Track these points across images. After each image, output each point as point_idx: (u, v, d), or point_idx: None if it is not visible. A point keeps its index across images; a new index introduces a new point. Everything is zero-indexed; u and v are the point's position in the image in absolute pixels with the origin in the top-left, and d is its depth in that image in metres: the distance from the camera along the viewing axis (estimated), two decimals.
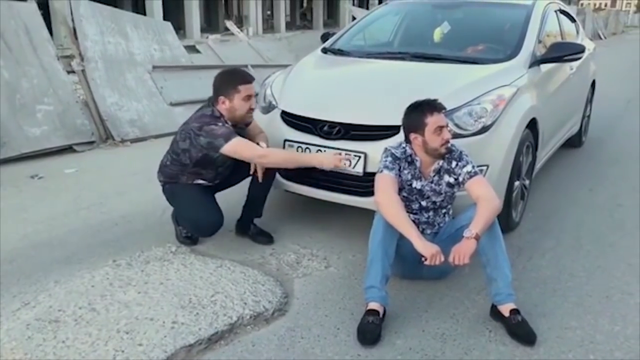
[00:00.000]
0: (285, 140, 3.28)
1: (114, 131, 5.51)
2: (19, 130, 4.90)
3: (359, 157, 3.02)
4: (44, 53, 5.34)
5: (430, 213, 2.68)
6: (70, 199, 3.96)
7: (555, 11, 4.51)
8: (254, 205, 3.25)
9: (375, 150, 2.98)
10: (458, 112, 3.02)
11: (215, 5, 32.41)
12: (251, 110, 2.98)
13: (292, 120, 3.31)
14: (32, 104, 5.07)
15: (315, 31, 29.61)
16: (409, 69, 3.63)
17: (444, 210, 2.71)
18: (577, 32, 5.19)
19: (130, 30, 6.35)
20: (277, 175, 3.36)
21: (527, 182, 3.51)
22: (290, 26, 34.00)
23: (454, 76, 3.39)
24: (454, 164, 2.59)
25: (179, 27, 24.18)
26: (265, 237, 3.23)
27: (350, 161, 3.00)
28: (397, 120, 3.01)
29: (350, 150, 3.04)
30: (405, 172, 2.60)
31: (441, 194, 2.63)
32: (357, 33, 4.55)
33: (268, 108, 3.59)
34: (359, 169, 3.02)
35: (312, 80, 3.79)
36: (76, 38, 5.76)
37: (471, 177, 2.55)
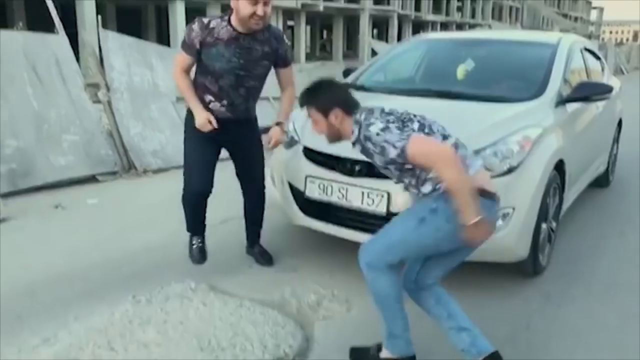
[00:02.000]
0: (307, 177, 3.26)
1: (136, 161, 5.56)
2: (45, 160, 4.97)
3: (382, 196, 2.98)
4: (73, 84, 5.45)
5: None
6: (91, 230, 3.97)
7: (581, 49, 4.47)
8: (250, 224, 3.39)
9: (398, 189, 2.94)
10: (483, 152, 2.97)
11: None
12: (256, 16, 2.72)
13: (314, 156, 3.30)
14: (58, 134, 5.16)
15: (334, 62, 30.00)
16: (432, 107, 3.58)
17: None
18: (603, 70, 5.15)
19: (156, 61, 6.46)
20: (299, 212, 3.34)
21: (554, 224, 3.42)
22: (310, 57, 34.44)
23: (479, 115, 3.35)
24: (369, 145, 2.21)
25: None
26: (265, 259, 3.36)
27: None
28: None
29: (374, 189, 3.00)
30: None
31: None
32: (380, 69, 4.56)
33: (290, 143, 3.59)
34: (381, 209, 2.98)
35: None
36: (103, 69, 5.88)
37: (404, 153, 2.09)
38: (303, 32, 31.79)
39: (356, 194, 3.07)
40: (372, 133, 2.16)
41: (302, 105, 2.45)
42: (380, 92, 3.99)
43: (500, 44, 4.49)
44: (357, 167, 3.08)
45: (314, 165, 3.27)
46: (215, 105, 2.98)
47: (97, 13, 21.24)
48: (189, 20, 22.50)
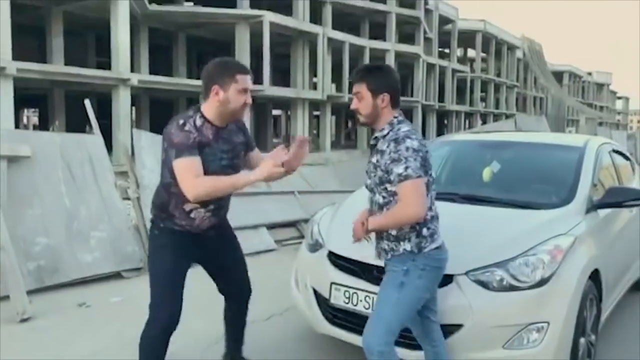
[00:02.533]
0: (332, 283, 3.20)
1: None
2: (72, 257, 5.02)
3: None
4: (104, 181, 5.61)
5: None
6: (115, 331, 3.91)
7: (609, 152, 4.42)
8: (231, 333, 3.15)
9: None
10: (513, 262, 2.89)
11: (265, 124, 34.28)
12: (246, 105, 2.63)
13: (339, 261, 3.25)
14: (87, 231, 5.24)
15: (359, 151, 30.56)
16: (459, 212, 3.55)
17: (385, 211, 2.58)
18: (633, 171, 5.07)
19: None
20: (323, 320, 3.24)
21: (592, 337, 3.24)
22: (335, 145, 35.25)
23: (508, 222, 3.29)
24: (391, 146, 2.47)
25: None
26: None
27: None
28: (450, 268, 2.91)
29: None
30: None
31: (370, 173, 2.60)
32: None
33: (315, 246, 3.56)
34: None
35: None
36: (134, 164, 6.06)
37: (401, 180, 2.41)
38: (328, 122, 32.75)
39: None
40: (408, 143, 2.40)
41: (355, 78, 2.57)
42: None
43: (525, 146, 4.47)
44: (383, 275, 3.01)
45: (339, 271, 3.22)
46: (198, 212, 2.68)
47: (132, 103, 22.43)
48: None
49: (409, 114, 40.57)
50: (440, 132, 46.27)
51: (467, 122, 49.27)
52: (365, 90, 2.52)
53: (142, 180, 5.98)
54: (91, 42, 27.45)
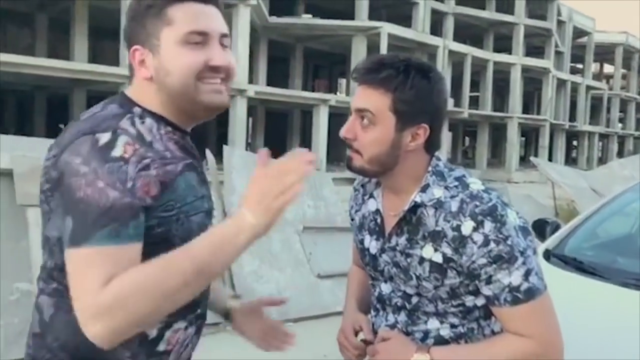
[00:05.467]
0: None
1: None
2: None
3: None
4: None
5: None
6: None
7: None
8: None
9: None
10: None
11: None
12: (214, 69, 1.12)
13: None
14: None
15: (478, 170, 28.33)
16: None
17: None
18: None
19: None
20: None
21: None
22: (451, 163, 33.18)
23: None
24: (486, 228, 1.18)
25: (341, 160, 24.58)
26: None
27: None
28: None
29: None
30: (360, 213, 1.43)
31: (411, 278, 1.26)
32: (595, 231, 3.05)
33: None
34: None
35: None
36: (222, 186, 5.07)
37: (518, 300, 1.18)
38: (445, 138, 30.88)
39: None
40: (512, 220, 1.19)
41: (367, 77, 1.22)
42: (614, 280, 2.44)
43: None
44: None
45: None
46: (176, 334, 1.15)
47: (248, 114, 22.28)
48: (332, 124, 22.68)
49: (533, 132, 37.23)
50: (569, 155, 42.25)
51: (600, 144, 44.58)
52: (386, 108, 1.20)
53: (230, 208, 4.94)
54: None
